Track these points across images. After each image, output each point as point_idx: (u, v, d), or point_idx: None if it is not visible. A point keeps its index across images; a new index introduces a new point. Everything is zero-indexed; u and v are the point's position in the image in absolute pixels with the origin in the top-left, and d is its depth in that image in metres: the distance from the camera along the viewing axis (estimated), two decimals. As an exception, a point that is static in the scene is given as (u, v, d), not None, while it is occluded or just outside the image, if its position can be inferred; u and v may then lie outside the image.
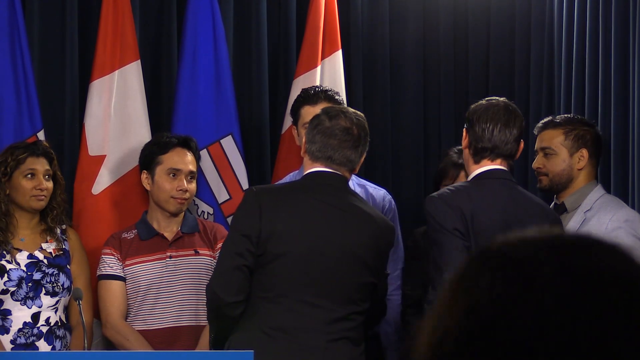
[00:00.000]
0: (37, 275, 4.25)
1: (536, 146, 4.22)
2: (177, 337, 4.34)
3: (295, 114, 4.49)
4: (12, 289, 4.21)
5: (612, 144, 4.45)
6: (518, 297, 1.19)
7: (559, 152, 4.13)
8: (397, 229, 4.54)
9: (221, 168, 4.83)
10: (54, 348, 4.21)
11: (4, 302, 4.21)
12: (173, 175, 4.42)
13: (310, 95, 4.45)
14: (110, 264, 4.39)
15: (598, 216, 4.04)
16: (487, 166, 3.69)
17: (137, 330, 4.35)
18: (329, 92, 4.47)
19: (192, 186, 4.45)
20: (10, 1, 4.56)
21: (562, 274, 1.19)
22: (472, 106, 3.80)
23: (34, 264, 4.26)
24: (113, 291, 4.37)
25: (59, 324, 4.28)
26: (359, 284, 3.64)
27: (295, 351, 3.50)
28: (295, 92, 4.98)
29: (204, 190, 4.75)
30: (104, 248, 4.42)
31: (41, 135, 4.58)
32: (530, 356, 1.16)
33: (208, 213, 4.79)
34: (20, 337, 4.19)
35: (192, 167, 4.45)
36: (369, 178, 4.75)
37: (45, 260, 4.28)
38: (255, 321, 3.56)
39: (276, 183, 4.57)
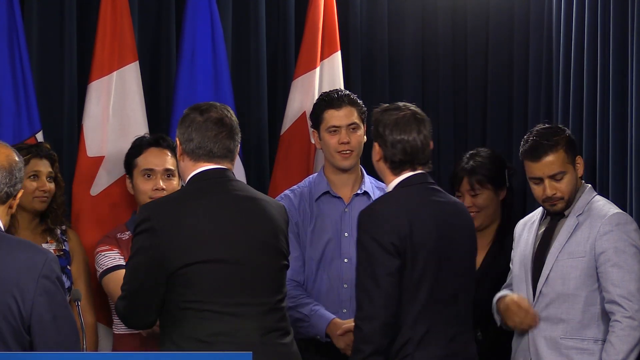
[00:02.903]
0: (37, 276, 4.24)
1: (537, 174, 4.04)
2: None
3: (318, 117, 4.48)
4: (14, 290, 4.20)
5: (610, 145, 4.45)
6: None
7: (567, 171, 4.06)
8: None
9: (219, 169, 4.82)
10: (55, 349, 4.21)
11: (5, 303, 4.20)
12: (148, 176, 4.41)
13: (334, 99, 4.45)
14: (113, 256, 4.36)
15: (590, 220, 4.02)
16: (409, 172, 3.79)
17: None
18: (352, 97, 4.48)
19: (172, 184, 4.41)
20: (9, 2, 4.56)
21: None
22: (381, 116, 3.83)
23: (34, 265, 4.25)
24: None
25: (59, 325, 4.28)
26: (278, 271, 3.66)
27: (234, 350, 3.43)
28: (294, 93, 5.00)
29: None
30: (100, 246, 4.39)
31: (40, 136, 4.58)
32: None
33: (207, 214, 4.78)
34: (21, 338, 4.19)
35: (168, 165, 4.42)
36: (367, 179, 4.74)
37: (45, 262, 4.28)
38: (187, 332, 3.52)
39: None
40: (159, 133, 4.59)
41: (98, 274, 4.38)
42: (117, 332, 4.42)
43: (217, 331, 3.51)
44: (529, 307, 4.01)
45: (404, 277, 3.66)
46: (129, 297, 3.58)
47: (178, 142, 3.70)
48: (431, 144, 3.85)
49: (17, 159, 3.38)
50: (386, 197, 3.84)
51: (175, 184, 4.43)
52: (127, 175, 4.49)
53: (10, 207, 3.48)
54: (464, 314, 3.80)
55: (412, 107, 3.85)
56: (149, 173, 4.41)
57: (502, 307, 4.09)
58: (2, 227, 3.44)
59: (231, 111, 3.74)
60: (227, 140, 3.67)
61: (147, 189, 4.39)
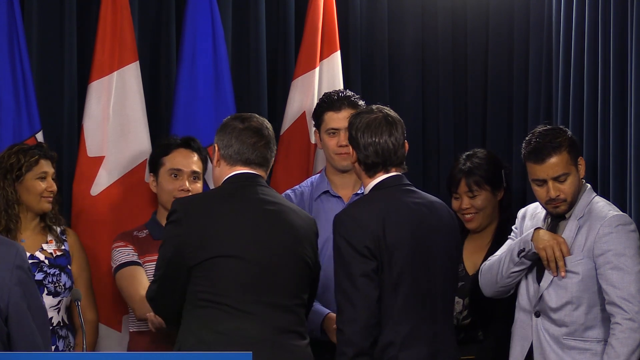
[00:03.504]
0: (38, 276, 4.26)
1: (541, 176, 4.02)
2: None
3: (318, 119, 4.54)
4: (14, 290, 4.21)
5: (610, 147, 4.45)
6: None
7: (571, 172, 4.04)
8: None
9: (220, 169, 4.83)
10: (57, 348, 4.23)
11: (6, 302, 4.21)
12: (175, 176, 4.45)
13: (334, 101, 4.49)
14: (127, 252, 4.40)
15: (590, 222, 4.01)
16: (383, 175, 3.85)
17: None
18: (352, 98, 4.51)
19: (196, 186, 4.47)
20: (9, 2, 4.56)
21: None
22: (354, 120, 3.90)
23: (35, 265, 4.26)
24: (139, 276, 4.36)
25: (62, 324, 4.30)
26: (297, 275, 3.75)
27: (247, 346, 3.53)
28: (294, 93, 5.00)
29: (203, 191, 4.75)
30: (116, 242, 4.43)
31: (40, 136, 4.59)
32: None
33: (207, 214, 4.79)
34: (23, 337, 4.20)
35: (195, 167, 4.48)
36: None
37: (46, 261, 4.30)
38: (206, 323, 3.64)
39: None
40: (190, 135, 4.60)
41: (112, 269, 4.42)
42: (132, 330, 4.46)
43: (234, 325, 3.63)
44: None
45: (381, 279, 3.73)
46: (157, 282, 3.76)
47: (217, 148, 3.82)
48: (406, 145, 3.90)
49: None
50: (360, 200, 3.92)
51: (199, 186, 4.48)
52: (151, 174, 4.52)
53: None
54: (446, 311, 3.87)
55: (386, 109, 3.92)
56: (177, 173, 4.45)
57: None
58: None
59: (269, 124, 3.88)
60: (264, 149, 3.81)
61: (173, 188, 4.43)
